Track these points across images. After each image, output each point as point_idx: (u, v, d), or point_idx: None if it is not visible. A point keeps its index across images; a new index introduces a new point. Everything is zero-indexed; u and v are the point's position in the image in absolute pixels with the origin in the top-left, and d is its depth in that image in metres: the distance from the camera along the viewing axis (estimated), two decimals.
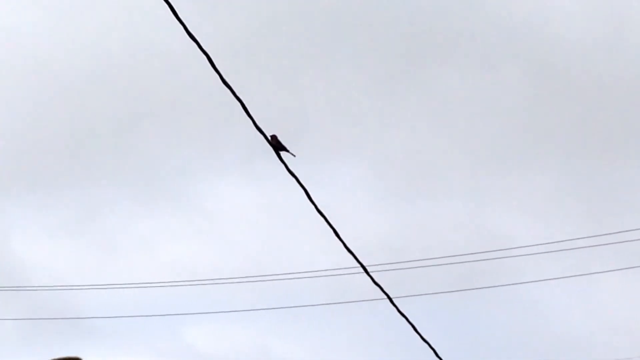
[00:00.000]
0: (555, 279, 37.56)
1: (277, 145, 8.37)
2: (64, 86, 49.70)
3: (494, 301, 58.47)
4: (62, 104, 52.23)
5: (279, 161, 8.42)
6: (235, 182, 54.86)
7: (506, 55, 51.10)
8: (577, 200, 53.40)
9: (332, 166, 55.19)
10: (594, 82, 51.05)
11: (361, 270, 9.91)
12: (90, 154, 56.01)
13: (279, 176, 8.15)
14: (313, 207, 8.82)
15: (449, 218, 54.04)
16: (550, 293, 55.95)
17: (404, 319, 10.62)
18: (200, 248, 57.11)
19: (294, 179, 8.52)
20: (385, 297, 9.88)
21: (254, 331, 57.46)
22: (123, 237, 57.19)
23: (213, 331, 58.76)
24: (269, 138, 8.20)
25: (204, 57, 7.43)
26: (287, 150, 8.47)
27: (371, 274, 9.92)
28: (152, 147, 54.26)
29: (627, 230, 32.81)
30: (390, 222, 54.98)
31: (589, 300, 53.44)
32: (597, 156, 53.41)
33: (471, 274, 40.92)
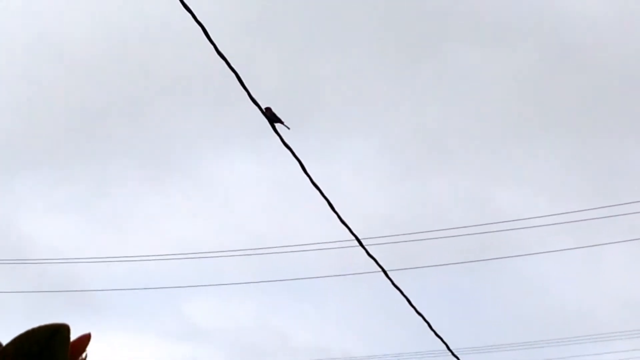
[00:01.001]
0: (560, 250, 37.57)
1: (271, 117, 8.37)
2: (75, 64, 49.76)
3: (501, 274, 58.60)
4: (72, 82, 52.30)
5: (275, 133, 8.43)
6: (242, 158, 54.95)
7: (517, 33, 51.03)
8: (584, 174, 53.43)
9: (343, 142, 55.22)
10: (605, 59, 50.92)
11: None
12: (100, 131, 56.14)
13: (283, 151, 8.17)
14: (308, 180, 8.84)
15: (457, 193, 54.13)
16: (556, 265, 56.08)
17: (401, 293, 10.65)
18: (205, 223, 57.25)
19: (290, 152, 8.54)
20: (380, 270, 9.91)
21: (254, 304, 57.65)
22: (130, 212, 57.40)
23: (213, 304, 58.95)
24: (264, 110, 8.21)
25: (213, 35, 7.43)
26: (282, 122, 8.47)
27: (374, 246, 9.95)
28: (161, 124, 54.33)
29: (631, 202, 32.80)
30: (398, 197, 55.07)
31: (595, 272, 53.53)
32: (605, 131, 53.36)
33: (478, 247, 40.98)
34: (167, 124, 54.00)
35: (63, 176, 56.38)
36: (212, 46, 7.54)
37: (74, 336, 2.68)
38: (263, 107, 8.19)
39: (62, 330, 2.51)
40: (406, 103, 54.19)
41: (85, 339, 2.66)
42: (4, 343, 2.57)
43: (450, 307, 55.94)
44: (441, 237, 33.92)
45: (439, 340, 11.59)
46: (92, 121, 54.79)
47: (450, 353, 12.35)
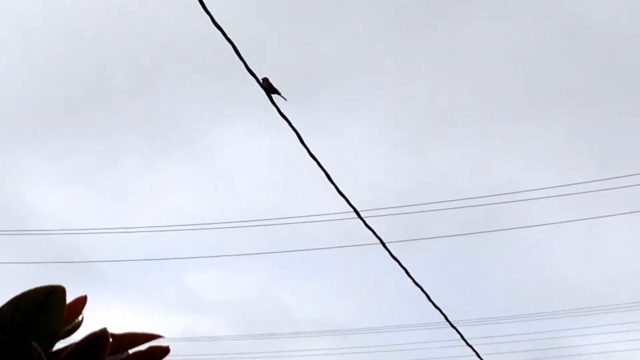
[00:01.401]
0: (560, 223, 37.58)
1: (268, 88, 8.35)
2: (83, 36, 49.66)
3: (503, 246, 58.75)
4: (80, 53, 52.21)
5: (271, 104, 8.43)
6: (247, 131, 54.89)
7: (522, 5, 50.91)
8: (587, 146, 53.46)
9: (350, 115, 55.29)
10: (608, 31, 50.84)
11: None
12: (106, 103, 56.15)
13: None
14: (306, 151, 8.83)
15: (462, 165, 54.20)
16: (558, 238, 56.19)
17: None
18: (209, 195, 57.36)
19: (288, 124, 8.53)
20: (378, 241, 9.93)
21: (257, 276, 57.85)
22: (134, 184, 57.50)
23: (216, 276, 59.10)
24: (261, 81, 8.19)
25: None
26: (279, 93, 8.45)
27: (379, 218, 9.96)
28: (167, 96, 54.34)
29: (633, 174, 32.81)
30: (404, 169, 55.17)
31: (595, 244, 53.65)
32: (607, 103, 53.37)
33: (481, 219, 41.05)
34: (173, 96, 53.99)
35: (68, 148, 56.45)
36: (209, 17, 7.52)
37: (70, 300, 2.68)
38: (260, 78, 8.18)
39: (57, 291, 2.52)
40: (413, 76, 54.22)
41: (81, 301, 2.67)
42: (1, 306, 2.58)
43: (453, 280, 56.13)
44: (444, 209, 33.92)
45: (439, 312, 11.63)
46: (97, 93, 54.82)
47: (449, 325, 12.39)
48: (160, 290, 55.79)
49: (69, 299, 2.69)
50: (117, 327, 2.65)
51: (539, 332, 41.84)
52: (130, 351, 2.64)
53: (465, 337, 11.60)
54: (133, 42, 51.09)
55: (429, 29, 53.98)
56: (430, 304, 11.34)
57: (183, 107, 53.93)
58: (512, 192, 40.12)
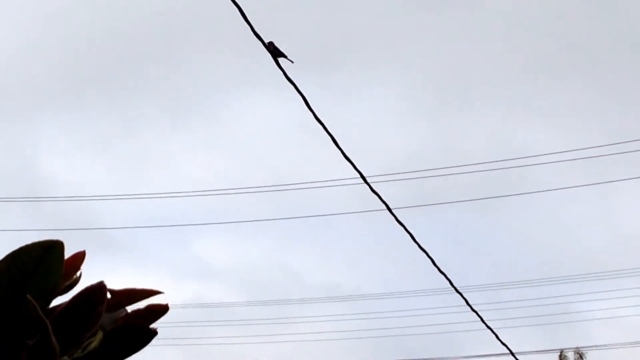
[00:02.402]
0: (573, 187, 37.47)
1: (274, 52, 8.28)
2: (102, 4, 49.51)
3: (515, 211, 58.73)
4: (100, 21, 52.14)
5: (277, 67, 8.36)
6: (263, 98, 54.86)
7: None
8: (602, 111, 53.34)
9: (369, 83, 55.24)
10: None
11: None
12: (125, 72, 56.18)
13: (286, 94, 8.13)
14: (312, 115, 8.77)
15: (477, 131, 54.20)
16: (570, 202, 56.13)
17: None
18: (224, 162, 57.40)
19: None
20: (385, 207, 9.88)
21: (267, 242, 57.93)
22: (150, 152, 57.55)
23: (226, 242, 59.20)
24: (266, 44, 8.12)
25: None
26: (285, 57, 8.38)
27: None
28: (182, 66, 54.25)
29: None
30: (420, 134, 55.14)
31: (609, 208, 53.57)
32: (623, 68, 53.17)
33: (496, 184, 40.99)
34: (188, 65, 53.96)
35: (84, 116, 56.50)
36: None
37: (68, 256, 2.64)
38: (266, 41, 8.12)
39: (56, 246, 2.47)
40: (431, 43, 54.14)
41: (79, 257, 2.63)
42: None
43: (465, 244, 56.26)
44: (458, 174, 33.86)
45: (444, 277, 11.60)
46: (116, 62, 54.82)
47: (454, 290, 12.36)
48: (171, 257, 56.04)
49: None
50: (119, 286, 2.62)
51: (547, 298, 41.92)
52: (129, 309, 2.61)
53: (471, 303, 11.57)
54: (158, 11, 50.99)
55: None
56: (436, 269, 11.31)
57: (200, 76, 53.95)
58: (524, 157, 40.06)
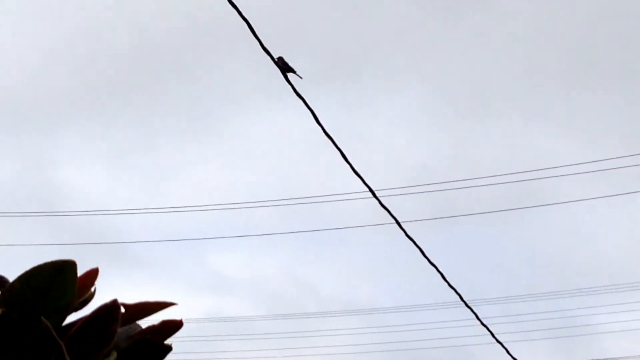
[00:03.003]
0: (590, 199, 37.33)
1: (283, 67, 8.32)
2: (124, 19, 49.69)
3: (531, 222, 58.59)
4: (120, 36, 52.34)
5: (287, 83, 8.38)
6: (279, 112, 54.95)
7: None
8: (623, 121, 53.29)
9: (388, 93, 55.32)
10: None
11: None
12: (142, 85, 56.33)
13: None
14: (321, 130, 8.78)
15: (496, 142, 54.21)
16: (587, 214, 56.00)
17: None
18: (238, 175, 57.51)
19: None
20: (394, 221, 9.88)
21: (283, 255, 57.89)
22: (167, 165, 57.70)
23: (242, 256, 59.20)
24: (276, 59, 8.15)
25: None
26: (294, 72, 8.41)
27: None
28: (199, 78, 54.39)
29: None
30: (438, 145, 55.19)
31: (627, 221, 53.43)
32: None
33: (514, 196, 40.89)
34: (206, 78, 54.11)
35: (100, 129, 56.74)
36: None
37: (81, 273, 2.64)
38: (275, 56, 8.14)
39: (68, 265, 2.48)
40: (451, 52, 54.22)
41: (92, 274, 2.63)
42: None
43: (480, 257, 56.20)
44: (475, 186, 33.76)
45: (454, 291, 11.58)
46: (133, 75, 55.09)
47: (465, 305, 12.34)
48: (187, 270, 56.08)
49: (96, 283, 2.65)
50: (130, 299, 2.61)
51: (562, 310, 41.72)
52: (143, 325, 2.60)
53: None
54: (178, 26, 51.09)
55: (469, 7, 53.81)
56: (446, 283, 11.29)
57: (217, 89, 54.09)
58: (543, 169, 39.92)
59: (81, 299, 2.59)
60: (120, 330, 2.42)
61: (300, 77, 8.38)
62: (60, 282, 2.46)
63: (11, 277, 2.53)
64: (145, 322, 2.60)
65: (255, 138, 56.58)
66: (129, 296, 2.59)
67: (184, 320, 2.59)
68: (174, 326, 2.58)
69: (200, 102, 55.52)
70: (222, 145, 57.67)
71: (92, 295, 2.62)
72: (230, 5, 7.43)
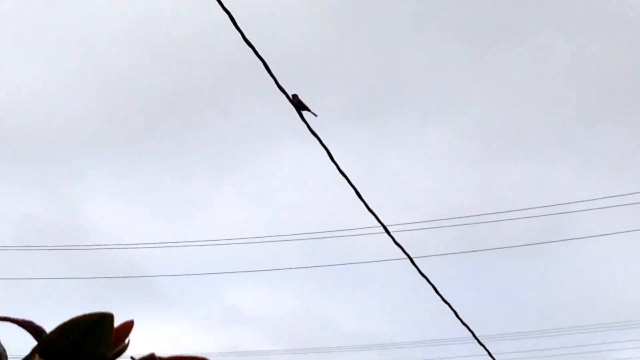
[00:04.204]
0: (610, 234, 37.18)
1: (298, 105, 8.36)
2: (151, 60, 49.95)
3: (553, 257, 58.60)
4: (147, 71, 52.62)
5: (302, 120, 8.43)
6: (299, 149, 55.11)
7: (587, 25, 51.11)
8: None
9: (415, 131, 55.60)
10: None
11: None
12: (169, 126, 56.71)
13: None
14: (336, 168, 8.83)
15: (520, 178, 54.34)
16: (608, 249, 55.93)
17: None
18: (259, 210, 57.65)
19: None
20: (406, 256, 9.91)
21: (301, 290, 57.87)
22: (188, 200, 57.88)
23: (259, 291, 59.17)
24: (291, 97, 8.20)
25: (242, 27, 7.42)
26: (309, 110, 8.46)
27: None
28: (225, 116, 54.63)
29: None
30: (463, 182, 55.34)
31: None
32: None
33: (538, 231, 40.85)
34: (231, 115, 54.44)
35: (127, 164, 57.04)
36: (233, 25, 7.52)
37: (118, 322, 2.68)
38: (290, 94, 8.19)
39: (106, 318, 2.52)
40: (479, 92, 54.58)
41: (128, 326, 2.66)
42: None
43: (504, 292, 56.17)
44: (501, 220, 33.71)
45: (466, 328, 11.59)
46: (157, 114, 55.48)
47: (477, 342, 12.34)
48: (205, 304, 56.04)
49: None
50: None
51: (580, 345, 41.50)
52: None
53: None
54: (202, 66, 51.33)
55: (496, 47, 54.24)
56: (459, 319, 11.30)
57: (239, 127, 54.34)
58: (560, 204, 39.84)
59: (115, 351, 2.63)
60: None
61: (315, 115, 8.44)
62: (97, 334, 2.50)
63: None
64: None
65: (276, 174, 56.87)
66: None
67: (207, 357, 2.62)
68: None
69: (222, 139, 55.80)
70: (243, 181, 57.96)
71: (125, 347, 2.65)
72: (247, 45, 7.50)
